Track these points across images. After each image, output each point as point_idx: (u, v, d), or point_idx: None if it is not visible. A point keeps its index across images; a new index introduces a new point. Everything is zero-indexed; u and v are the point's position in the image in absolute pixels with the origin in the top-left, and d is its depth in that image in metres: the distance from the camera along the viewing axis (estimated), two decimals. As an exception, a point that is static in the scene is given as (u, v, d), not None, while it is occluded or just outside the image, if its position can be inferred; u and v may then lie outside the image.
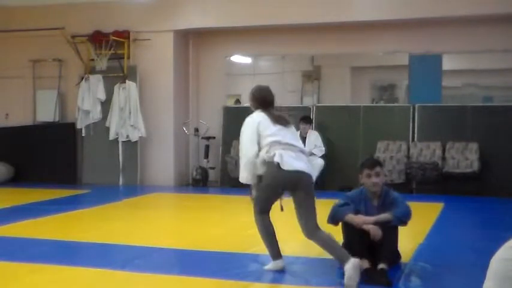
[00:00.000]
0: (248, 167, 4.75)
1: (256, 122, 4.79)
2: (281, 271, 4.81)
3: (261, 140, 4.74)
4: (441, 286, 4.62)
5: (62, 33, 10.98)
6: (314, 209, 4.70)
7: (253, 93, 5.01)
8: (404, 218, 4.80)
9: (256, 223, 4.86)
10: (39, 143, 11.54)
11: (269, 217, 4.84)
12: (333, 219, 4.90)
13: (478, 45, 10.23)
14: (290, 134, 4.81)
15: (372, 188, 4.83)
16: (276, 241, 4.83)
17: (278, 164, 4.59)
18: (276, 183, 4.70)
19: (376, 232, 4.62)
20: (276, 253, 4.82)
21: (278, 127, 4.76)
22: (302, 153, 4.77)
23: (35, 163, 11.53)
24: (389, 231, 4.72)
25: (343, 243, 4.89)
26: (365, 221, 4.69)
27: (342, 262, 4.44)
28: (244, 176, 4.79)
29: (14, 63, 11.81)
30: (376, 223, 4.67)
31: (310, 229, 4.64)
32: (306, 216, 4.66)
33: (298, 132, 10.55)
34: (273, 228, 4.82)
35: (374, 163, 4.94)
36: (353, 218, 4.75)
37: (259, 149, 4.72)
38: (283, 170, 4.59)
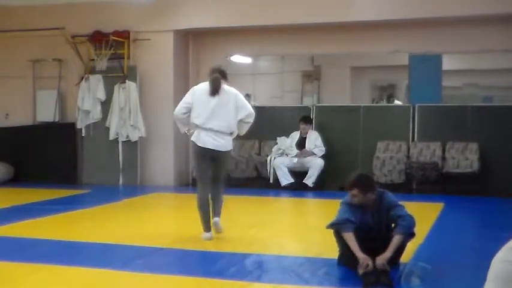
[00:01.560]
0: (177, 121, 6.35)
1: (193, 94, 6.09)
2: (277, 270, 4.81)
3: (191, 110, 6.05)
4: (441, 286, 4.62)
5: (62, 33, 10.97)
6: (223, 173, 6.27)
7: (211, 68, 6.22)
8: (411, 230, 4.76)
9: (196, 194, 6.23)
10: (39, 143, 11.53)
11: (207, 193, 6.15)
12: (332, 227, 4.86)
13: (478, 45, 10.22)
14: (216, 113, 5.95)
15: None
16: (208, 216, 6.08)
17: (195, 142, 6.02)
18: (195, 156, 6.18)
19: (366, 262, 4.49)
20: (205, 227, 6.07)
21: (209, 106, 5.95)
22: (218, 132, 5.96)
23: (35, 163, 11.51)
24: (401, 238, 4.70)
25: (339, 250, 4.90)
26: (363, 259, 4.50)
27: (215, 215, 6.09)
28: (178, 126, 6.43)
29: (14, 63, 11.80)
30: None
31: (216, 182, 6.13)
32: (216, 176, 6.13)
33: (299, 132, 10.61)
34: (207, 204, 6.11)
35: (352, 184, 4.76)
36: (354, 250, 4.60)
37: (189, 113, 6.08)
38: (199, 146, 6.01)
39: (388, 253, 4.57)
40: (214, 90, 6.01)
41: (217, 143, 5.99)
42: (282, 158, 10.49)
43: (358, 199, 4.74)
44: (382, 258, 4.52)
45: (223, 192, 6.33)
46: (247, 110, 6.12)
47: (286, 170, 10.39)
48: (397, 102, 11.30)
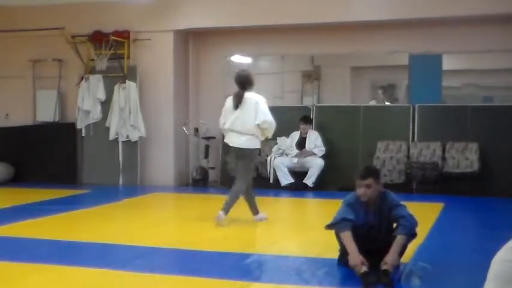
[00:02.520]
0: (223, 132, 7.36)
1: (225, 106, 7.19)
2: (277, 269, 4.82)
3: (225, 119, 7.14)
4: (441, 286, 4.62)
5: (62, 33, 10.97)
6: (246, 170, 7.07)
7: (234, 77, 7.15)
8: (413, 230, 4.75)
9: None
10: (39, 143, 11.53)
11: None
12: (330, 228, 4.86)
13: (478, 45, 10.22)
14: (239, 119, 6.94)
15: (360, 198, 4.78)
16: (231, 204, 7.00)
17: (226, 142, 7.19)
18: (229, 152, 7.78)
19: (354, 263, 4.50)
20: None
21: (234, 114, 6.98)
22: (241, 133, 6.94)
23: (35, 163, 11.50)
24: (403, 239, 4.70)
25: (339, 250, 4.90)
26: (356, 263, 4.49)
27: (224, 210, 6.90)
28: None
29: (14, 63, 11.80)
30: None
31: (238, 182, 7.05)
32: (239, 174, 7.10)
33: (299, 132, 10.62)
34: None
35: (366, 174, 4.73)
36: (349, 250, 4.59)
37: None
38: (229, 145, 7.14)
39: (393, 255, 4.55)
40: (237, 105, 7.00)
41: (239, 140, 6.99)
42: (282, 158, 10.50)
43: (371, 190, 4.70)
44: (390, 261, 4.50)
45: (238, 190, 7.05)
46: (264, 117, 6.93)
47: (286, 170, 10.39)
48: (386, 103, 11.27)
